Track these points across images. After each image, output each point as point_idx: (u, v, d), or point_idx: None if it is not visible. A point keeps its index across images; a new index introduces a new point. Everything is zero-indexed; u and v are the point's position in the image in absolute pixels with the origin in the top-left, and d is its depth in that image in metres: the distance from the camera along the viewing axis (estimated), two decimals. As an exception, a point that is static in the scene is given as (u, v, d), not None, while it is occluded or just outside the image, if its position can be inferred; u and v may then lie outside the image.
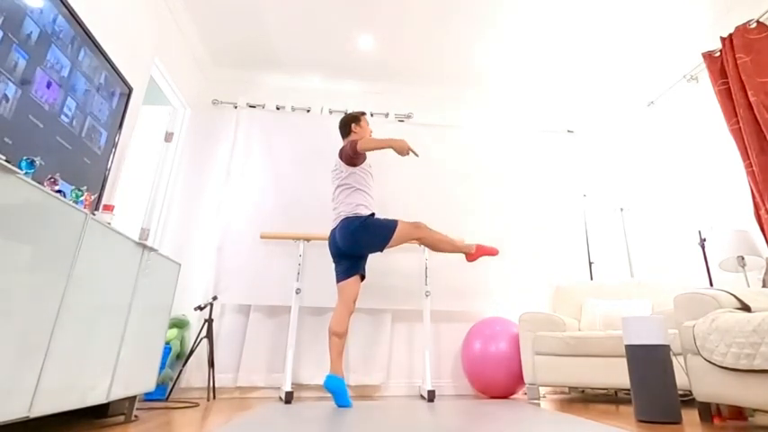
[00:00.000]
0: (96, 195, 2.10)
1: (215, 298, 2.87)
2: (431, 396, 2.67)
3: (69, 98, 1.86)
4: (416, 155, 2.50)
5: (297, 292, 2.86)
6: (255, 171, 3.36)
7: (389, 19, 3.12)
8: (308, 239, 3.06)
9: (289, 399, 2.50)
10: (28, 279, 1.16)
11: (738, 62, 2.60)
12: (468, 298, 3.26)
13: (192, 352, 2.71)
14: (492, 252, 2.73)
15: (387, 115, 3.71)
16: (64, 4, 1.79)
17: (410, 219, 2.67)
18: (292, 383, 2.65)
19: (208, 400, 2.66)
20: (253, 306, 3.04)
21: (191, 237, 3.23)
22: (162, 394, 2.61)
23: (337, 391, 2.31)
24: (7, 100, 1.51)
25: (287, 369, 2.63)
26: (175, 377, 2.72)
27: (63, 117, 1.82)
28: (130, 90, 2.39)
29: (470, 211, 3.51)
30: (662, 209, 3.32)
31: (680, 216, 3.13)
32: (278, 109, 3.60)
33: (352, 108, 3.56)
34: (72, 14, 1.84)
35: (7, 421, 1.11)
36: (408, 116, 3.75)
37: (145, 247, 1.84)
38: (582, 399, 2.85)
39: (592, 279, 3.46)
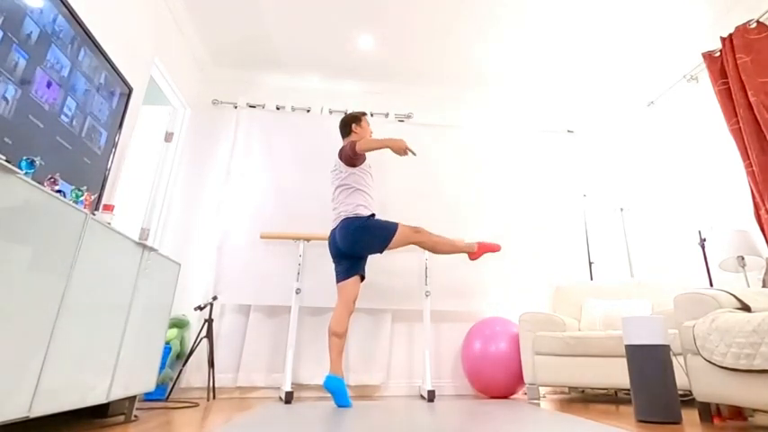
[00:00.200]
0: (96, 195, 2.10)
1: (215, 298, 2.87)
2: (431, 396, 2.67)
3: (69, 98, 1.86)
4: (414, 154, 2.50)
5: (297, 292, 2.86)
6: (255, 171, 3.36)
7: (389, 19, 3.12)
8: (308, 239, 3.06)
9: (289, 399, 2.50)
10: (28, 279, 1.16)
11: (738, 62, 2.60)
12: (468, 298, 3.26)
13: (191, 352, 2.71)
14: (494, 248, 2.73)
15: (387, 115, 3.71)
16: (64, 4, 1.79)
17: (410, 219, 2.68)
18: (292, 383, 2.65)
19: (208, 400, 2.66)
20: (253, 306, 3.04)
21: (191, 237, 3.23)
22: (162, 394, 2.61)
23: (337, 392, 2.31)
24: (7, 100, 1.51)
25: (287, 369, 2.63)
26: (175, 377, 2.72)
27: (63, 117, 1.82)
28: (130, 90, 2.39)
29: (470, 211, 3.51)
30: (662, 209, 3.32)
31: (680, 216, 3.13)
32: (278, 109, 3.60)
33: (353, 108, 3.56)
34: (72, 14, 1.84)
35: (7, 421, 1.11)
36: (408, 116, 3.75)
37: (145, 247, 1.84)
38: (582, 399, 2.85)
39: (592, 279, 3.46)
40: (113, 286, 1.61)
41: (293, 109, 3.62)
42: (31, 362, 1.19)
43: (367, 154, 2.58)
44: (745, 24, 2.65)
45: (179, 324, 2.86)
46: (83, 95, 1.96)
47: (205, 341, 2.82)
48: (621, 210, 3.68)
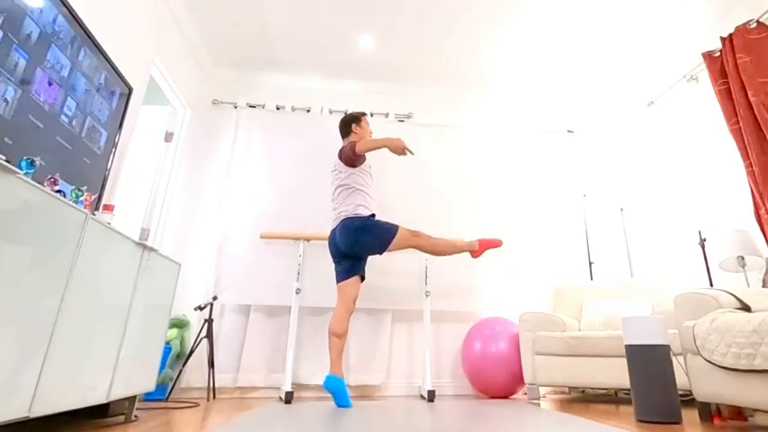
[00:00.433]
0: (96, 195, 2.10)
1: (215, 298, 2.87)
2: (431, 396, 2.67)
3: (69, 98, 1.86)
4: (412, 153, 2.51)
5: (297, 292, 2.86)
6: (255, 171, 3.36)
7: (389, 19, 3.12)
8: (307, 239, 3.05)
9: (289, 399, 2.50)
10: (28, 279, 1.16)
11: (738, 62, 2.60)
12: (468, 298, 3.26)
13: (191, 352, 2.71)
14: (496, 243, 2.73)
15: (387, 115, 3.71)
16: (64, 4, 1.79)
17: (409, 219, 2.68)
18: (292, 383, 2.65)
19: (208, 400, 2.66)
20: (253, 306, 3.04)
21: (191, 237, 3.23)
22: (162, 394, 2.61)
23: (337, 392, 2.31)
24: (7, 100, 1.51)
25: (287, 369, 2.63)
26: (175, 377, 2.72)
27: (63, 117, 1.82)
28: (130, 90, 2.39)
29: (470, 211, 3.51)
30: (662, 209, 3.32)
31: (680, 216, 3.13)
32: (278, 109, 3.60)
33: (353, 108, 3.56)
34: (72, 14, 1.84)
35: (7, 421, 1.11)
36: (408, 116, 3.75)
37: (145, 247, 1.84)
38: (582, 399, 2.85)
39: (592, 279, 3.46)
40: (113, 286, 1.61)
41: (293, 109, 3.62)
42: (31, 362, 1.19)
43: (366, 154, 2.58)
44: (745, 24, 2.65)
45: (179, 324, 2.86)
46: (83, 95, 1.96)
47: (205, 341, 2.82)
48: (621, 210, 3.68)
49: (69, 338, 1.36)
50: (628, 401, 2.67)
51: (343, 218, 2.51)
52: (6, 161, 1.06)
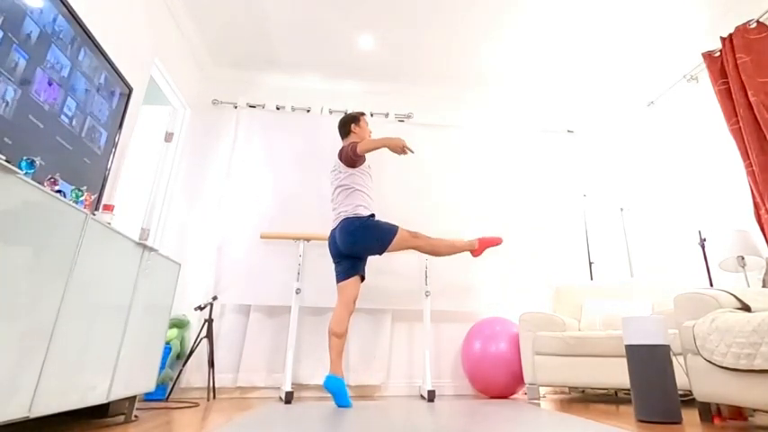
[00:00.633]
0: (96, 195, 2.10)
1: (215, 298, 2.87)
2: (431, 396, 2.67)
3: (69, 98, 1.86)
4: (412, 152, 2.51)
5: (297, 292, 2.86)
6: (255, 171, 3.36)
7: (389, 19, 3.12)
8: (307, 239, 3.05)
9: (289, 399, 2.50)
10: (28, 279, 1.16)
11: (738, 62, 2.60)
12: (468, 298, 3.26)
13: (191, 352, 2.71)
14: (496, 242, 2.74)
15: (387, 115, 3.71)
16: (64, 4, 1.79)
17: (409, 219, 2.68)
18: (292, 383, 2.65)
19: (208, 400, 2.66)
20: (253, 306, 3.04)
21: (191, 237, 3.23)
22: (162, 394, 2.61)
23: (337, 392, 2.31)
24: (7, 101, 1.51)
25: (287, 369, 2.63)
26: (175, 377, 2.72)
27: (63, 117, 1.82)
28: (130, 90, 2.39)
29: (470, 211, 3.51)
30: (662, 209, 3.32)
31: (680, 216, 3.13)
32: (278, 109, 3.60)
33: (353, 108, 3.56)
34: (72, 14, 1.84)
35: (7, 421, 1.11)
36: (408, 116, 3.75)
37: (145, 247, 1.84)
38: (582, 399, 2.85)
39: (592, 279, 3.46)
40: (113, 286, 1.61)
41: (293, 109, 3.62)
42: (31, 362, 1.19)
43: (366, 154, 2.59)
44: (745, 24, 2.65)
45: (179, 324, 2.86)
46: (83, 95, 1.96)
47: (205, 341, 2.82)
48: (621, 210, 3.68)
49: (69, 338, 1.36)
50: (628, 401, 2.67)
51: (342, 218, 2.51)
52: (6, 161, 1.06)
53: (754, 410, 2.00)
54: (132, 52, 2.50)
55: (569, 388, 3.21)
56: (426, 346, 2.87)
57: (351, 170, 2.58)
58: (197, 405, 2.40)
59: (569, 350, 2.57)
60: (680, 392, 2.08)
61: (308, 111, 3.63)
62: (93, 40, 2.00)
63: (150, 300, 1.92)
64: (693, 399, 2.25)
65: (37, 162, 1.36)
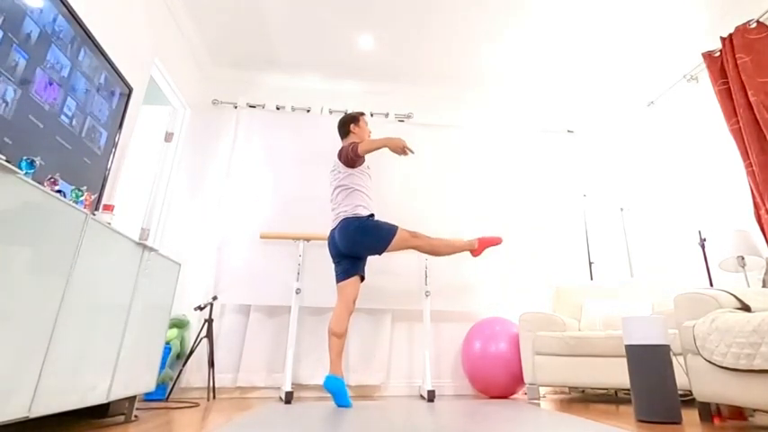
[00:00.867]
0: (96, 195, 2.10)
1: (215, 298, 2.87)
2: (431, 396, 2.67)
3: (69, 98, 1.86)
4: (412, 152, 2.51)
5: (297, 292, 2.86)
6: (255, 171, 3.36)
7: (389, 19, 3.12)
8: (307, 239, 3.05)
9: (289, 399, 2.50)
10: (28, 279, 1.16)
11: (738, 62, 2.60)
12: (468, 298, 3.26)
13: (191, 352, 2.71)
14: (495, 241, 2.74)
15: (387, 115, 3.71)
16: (64, 4, 1.79)
17: (409, 219, 2.68)
18: (292, 383, 2.65)
19: (208, 400, 2.66)
20: (253, 306, 3.04)
21: (191, 237, 3.23)
22: (162, 394, 2.61)
23: (337, 392, 2.31)
24: (7, 101, 1.51)
25: (287, 369, 2.63)
26: (175, 377, 2.72)
27: (63, 117, 1.82)
28: (130, 90, 2.39)
29: (470, 211, 3.51)
30: (662, 209, 3.32)
31: (680, 216, 3.13)
32: (278, 109, 3.60)
33: (352, 108, 3.56)
34: (72, 14, 1.84)
35: (7, 421, 1.10)
36: (408, 116, 3.75)
37: (145, 247, 1.83)
38: (582, 399, 2.85)
39: (592, 279, 3.46)
40: (113, 286, 1.61)
41: (293, 109, 3.62)
42: (31, 362, 1.19)
43: (366, 155, 2.59)
44: (745, 24, 2.65)
45: (179, 324, 2.86)
46: (83, 95, 1.96)
47: (205, 341, 2.82)
48: (621, 210, 3.68)
49: (69, 338, 1.36)
50: (628, 401, 2.67)
51: (342, 218, 2.51)
52: (6, 161, 1.06)
53: (754, 410, 2.00)
54: (132, 52, 2.50)
55: (569, 388, 3.21)
56: (426, 346, 2.87)
57: (350, 170, 2.58)
58: (197, 405, 2.40)
59: (569, 350, 2.57)
60: (680, 392, 2.08)
61: (308, 111, 3.63)
62: (93, 40, 2.00)
63: (150, 300, 1.92)
64: (693, 399, 2.25)
65: (37, 162, 1.36)
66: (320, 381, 2.84)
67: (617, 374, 2.41)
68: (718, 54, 2.79)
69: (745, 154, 2.53)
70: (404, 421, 1.84)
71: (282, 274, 3.06)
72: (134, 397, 1.86)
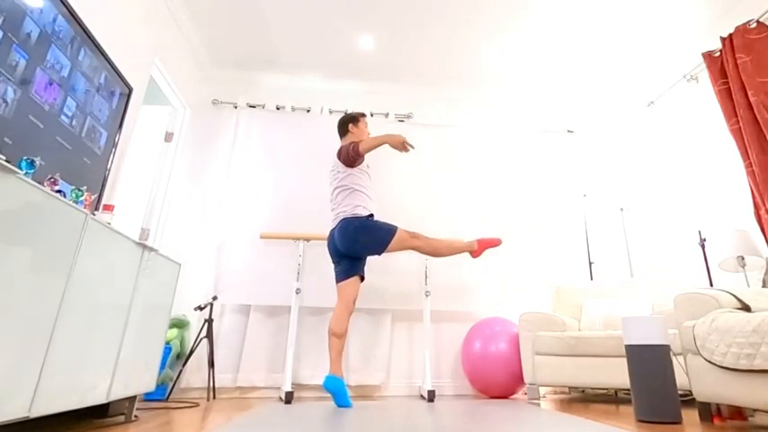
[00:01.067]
0: (96, 195, 2.10)
1: (215, 298, 2.87)
2: (431, 396, 2.67)
3: (69, 98, 1.86)
4: (413, 147, 2.52)
5: (297, 292, 2.86)
6: (255, 171, 3.36)
7: (389, 19, 3.12)
8: (307, 239, 3.05)
9: (289, 399, 2.50)
10: (28, 279, 1.16)
11: (738, 62, 2.60)
12: (468, 298, 3.26)
13: (191, 352, 2.71)
14: (495, 243, 2.74)
15: (387, 115, 3.71)
16: (64, 4, 1.79)
17: (409, 219, 2.68)
18: (292, 383, 2.65)
19: (208, 400, 2.66)
20: (253, 306, 3.04)
21: (191, 237, 3.23)
22: (162, 394, 2.61)
23: (337, 392, 2.31)
24: (7, 101, 1.51)
25: (287, 369, 2.63)
26: (175, 377, 2.72)
27: (63, 117, 1.82)
28: (130, 90, 2.39)
29: (470, 212, 3.51)
30: (662, 209, 3.32)
31: (680, 216, 3.13)
32: (278, 109, 3.60)
33: (352, 108, 3.56)
34: (72, 14, 1.84)
35: (7, 421, 1.10)
36: (408, 116, 3.75)
37: (145, 247, 1.83)
38: (582, 399, 2.85)
39: (592, 279, 3.46)
40: (113, 286, 1.61)
41: (293, 109, 3.62)
42: (31, 362, 1.19)
43: (365, 154, 2.59)
44: (745, 24, 2.65)
45: (179, 324, 2.86)
46: (83, 95, 1.96)
47: (205, 341, 2.82)
48: (621, 210, 3.68)
49: (69, 338, 1.36)
50: (628, 401, 2.67)
51: (341, 218, 2.51)
52: (6, 161, 1.06)
53: (754, 410, 2.00)
54: (132, 52, 2.50)
55: (569, 388, 3.21)
56: (426, 346, 2.87)
57: (349, 170, 2.58)
58: (197, 405, 2.40)
59: (569, 350, 2.57)
60: (680, 392, 2.08)
61: (308, 111, 3.63)
62: (92, 40, 2.00)
63: (150, 300, 1.92)
64: (693, 399, 2.25)
65: (37, 162, 1.36)
66: (320, 381, 2.84)
67: (617, 374, 2.41)
68: (718, 54, 2.79)
69: (745, 154, 2.53)
70: (404, 421, 1.84)
71: (282, 274, 3.06)
72: (134, 397, 1.86)
